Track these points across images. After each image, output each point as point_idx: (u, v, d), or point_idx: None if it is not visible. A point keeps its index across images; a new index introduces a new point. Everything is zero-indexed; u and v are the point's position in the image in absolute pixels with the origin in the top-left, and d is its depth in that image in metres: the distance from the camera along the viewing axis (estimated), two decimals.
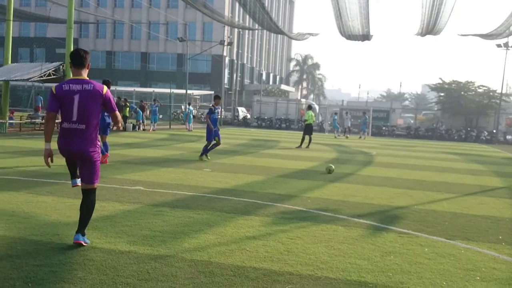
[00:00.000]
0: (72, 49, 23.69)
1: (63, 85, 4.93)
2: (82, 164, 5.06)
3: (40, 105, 38.60)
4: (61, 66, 24.34)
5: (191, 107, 33.33)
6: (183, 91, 46.19)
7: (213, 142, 14.05)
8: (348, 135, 34.01)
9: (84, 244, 4.94)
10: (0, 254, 4.62)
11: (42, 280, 3.99)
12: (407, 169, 14.59)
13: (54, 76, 24.39)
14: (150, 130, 28.07)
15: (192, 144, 20.23)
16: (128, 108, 27.82)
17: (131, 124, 27.90)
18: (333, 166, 12.62)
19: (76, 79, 4.95)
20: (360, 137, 33.03)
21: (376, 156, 18.73)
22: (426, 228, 6.65)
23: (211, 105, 14.48)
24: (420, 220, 7.16)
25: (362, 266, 4.85)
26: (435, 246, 5.77)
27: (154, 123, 28.56)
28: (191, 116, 32.16)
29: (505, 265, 5.13)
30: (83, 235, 5.00)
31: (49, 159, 4.99)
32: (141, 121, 28.62)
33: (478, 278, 4.67)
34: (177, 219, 6.41)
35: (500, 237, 6.36)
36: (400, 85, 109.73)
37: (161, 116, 37.96)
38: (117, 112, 5.23)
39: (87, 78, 5.04)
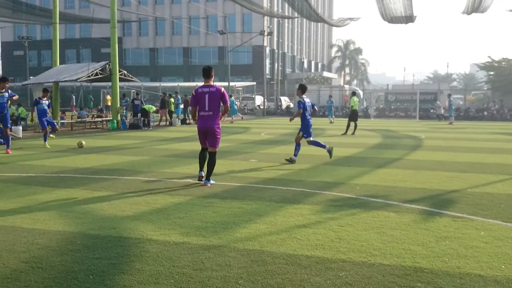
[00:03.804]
0: (116, 48, 24.42)
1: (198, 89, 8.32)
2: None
3: (73, 104, 39.57)
4: (107, 65, 24.88)
5: (232, 98, 33.75)
6: (226, 83, 46.49)
7: None
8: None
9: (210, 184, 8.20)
10: (61, 248, 4.83)
11: (103, 273, 4.15)
12: (458, 151, 14.14)
13: (101, 75, 24.98)
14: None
15: (238, 136, 20.38)
16: (173, 104, 28.32)
17: (177, 119, 28.37)
18: None
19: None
20: (451, 123, 30.92)
21: (425, 140, 18.24)
22: (481, 211, 6.45)
23: None
24: (474, 204, 6.95)
25: (417, 251, 4.76)
26: (491, 229, 5.59)
27: None
28: (235, 107, 32.48)
29: None
30: (209, 180, 8.28)
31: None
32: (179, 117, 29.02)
33: None
34: (227, 209, 6.51)
35: None
36: (447, 66, 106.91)
37: None
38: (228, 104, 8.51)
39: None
